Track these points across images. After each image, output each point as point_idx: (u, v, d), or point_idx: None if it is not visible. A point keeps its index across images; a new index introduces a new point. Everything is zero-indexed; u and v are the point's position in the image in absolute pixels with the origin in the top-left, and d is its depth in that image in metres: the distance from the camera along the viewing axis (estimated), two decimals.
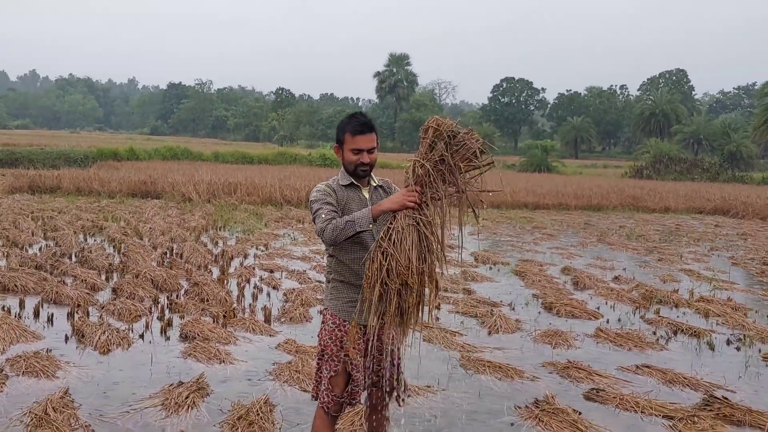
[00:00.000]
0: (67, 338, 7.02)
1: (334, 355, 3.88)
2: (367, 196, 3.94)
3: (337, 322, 3.89)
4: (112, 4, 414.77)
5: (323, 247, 13.56)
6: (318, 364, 4.00)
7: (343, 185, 3.90)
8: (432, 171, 3.52)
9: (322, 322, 3.99)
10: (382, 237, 3.53)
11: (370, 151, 3.87)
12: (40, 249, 12.06)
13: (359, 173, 3.89)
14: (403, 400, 4.03)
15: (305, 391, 5.73)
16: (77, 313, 7.88)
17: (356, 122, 3.85)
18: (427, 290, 3.55)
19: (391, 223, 3.54)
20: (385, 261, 3.45)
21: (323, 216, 3.69)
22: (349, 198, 3.88)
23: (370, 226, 3.62)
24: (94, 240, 13.49)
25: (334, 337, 3.89)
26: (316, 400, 4.05)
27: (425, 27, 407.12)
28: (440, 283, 3.65)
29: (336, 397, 3.91)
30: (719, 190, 33.52)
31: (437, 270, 3.57)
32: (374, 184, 4.02)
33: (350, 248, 3.84)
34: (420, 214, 3.53)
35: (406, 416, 5.31)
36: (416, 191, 3.56)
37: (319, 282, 10.14)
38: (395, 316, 3.52)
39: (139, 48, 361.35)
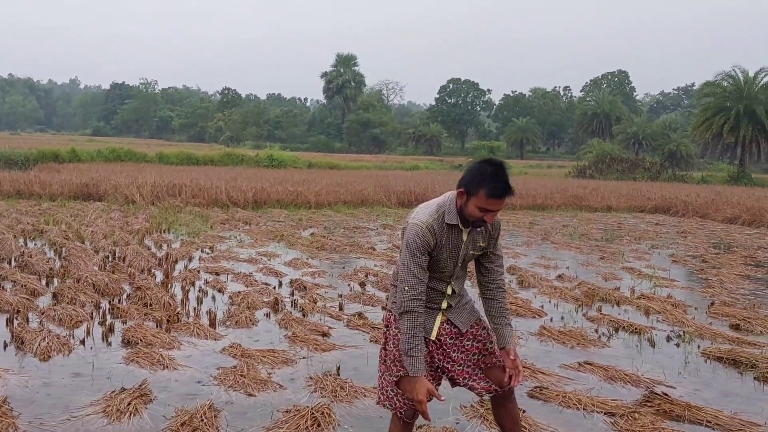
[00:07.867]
0: (6, 345, 6.84)
1: (397, 360, 3.80)
2: (465, 238, 3.76)
3: None
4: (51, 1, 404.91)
5: (270, 248, 13.55)
6: (381, 369, 3.96)
7: (448, 224, 3.67)
8: None
9: (387, 326, 3.94)
10: None
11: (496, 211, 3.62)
12: None
13: (472, 224, 3.70)
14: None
15: (250, 395, 5.69)
16: (17, 319, 7.68)
17: (498, 185, 3.49)
18: None
19: None
20: None
21: (409, 286, 3.61)
22: (447, 238, 3.69)
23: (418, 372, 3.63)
24: (35, 244, 13.19)
25: (397, 342, 3.80)
26: (382, 405, 3.99)
27: (372, 24, 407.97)
28: None
29: (408, 400, 3.76)
30: (660, 189, 34.20)
31: None
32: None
33: (433, 274, 3.78)
34: None
35: (346, 419, 5.30)
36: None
37: (266, 284, 10.06)
38: None
39: (81, 47, 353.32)
